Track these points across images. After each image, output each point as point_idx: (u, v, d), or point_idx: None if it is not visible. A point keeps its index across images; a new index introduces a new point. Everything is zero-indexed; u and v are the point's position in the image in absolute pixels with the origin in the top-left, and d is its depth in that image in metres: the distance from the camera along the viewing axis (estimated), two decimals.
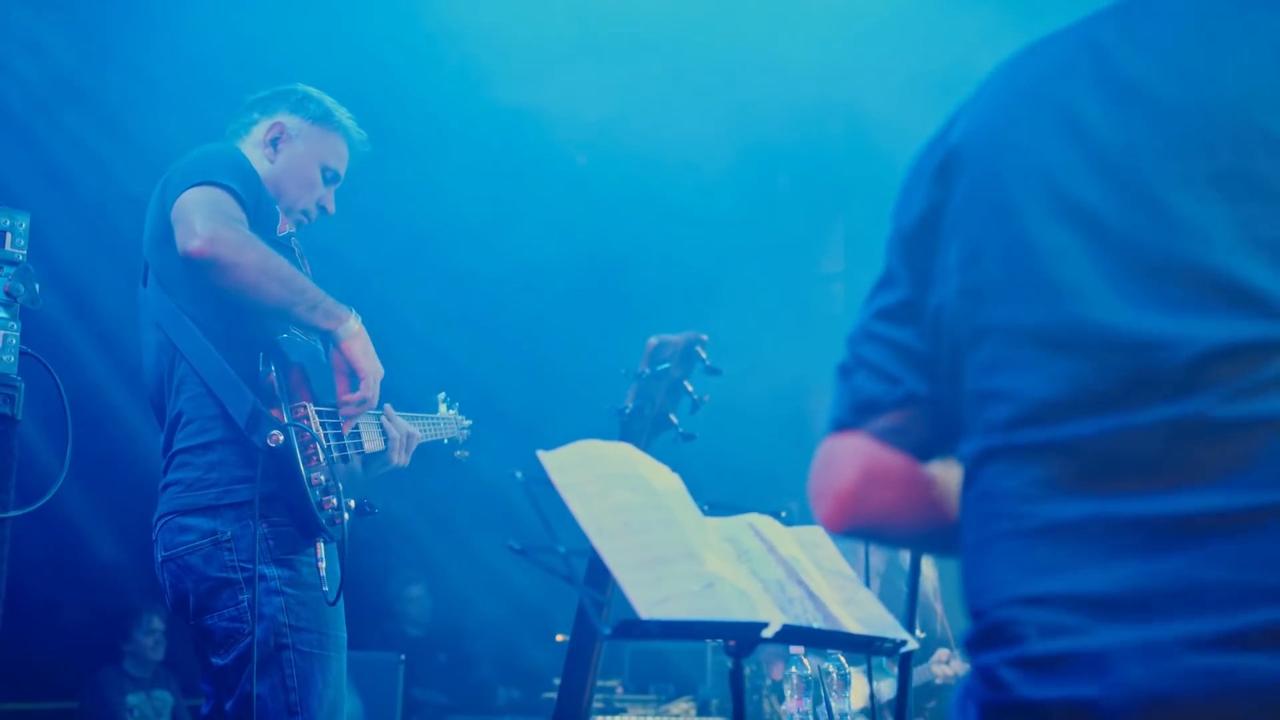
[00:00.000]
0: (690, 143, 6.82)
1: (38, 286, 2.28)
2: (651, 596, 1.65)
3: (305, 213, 3.14)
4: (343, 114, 3.21)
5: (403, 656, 6.19)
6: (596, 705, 5.74)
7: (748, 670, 1.85)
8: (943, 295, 1.26)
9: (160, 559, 2.80)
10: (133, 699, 6.31)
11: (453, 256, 6.53)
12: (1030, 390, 1.15)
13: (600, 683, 2.53)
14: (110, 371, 5.68)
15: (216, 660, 2.73)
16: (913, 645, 1.94)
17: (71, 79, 5.70)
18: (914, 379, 1.31)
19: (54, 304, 2.45)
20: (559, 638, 7.08)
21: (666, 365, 2.53)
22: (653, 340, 2.58)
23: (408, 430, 3.08)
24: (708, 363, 2.56)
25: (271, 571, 2.69)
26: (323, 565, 2.72)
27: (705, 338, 2.57)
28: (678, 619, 1.65)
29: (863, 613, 1.92)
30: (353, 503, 2.80)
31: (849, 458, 1.34)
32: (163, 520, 2.79)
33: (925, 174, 1.31)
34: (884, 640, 1.90)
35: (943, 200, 1.28)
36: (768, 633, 1.72)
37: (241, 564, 2.69)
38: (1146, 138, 1.14)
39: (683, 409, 2.60)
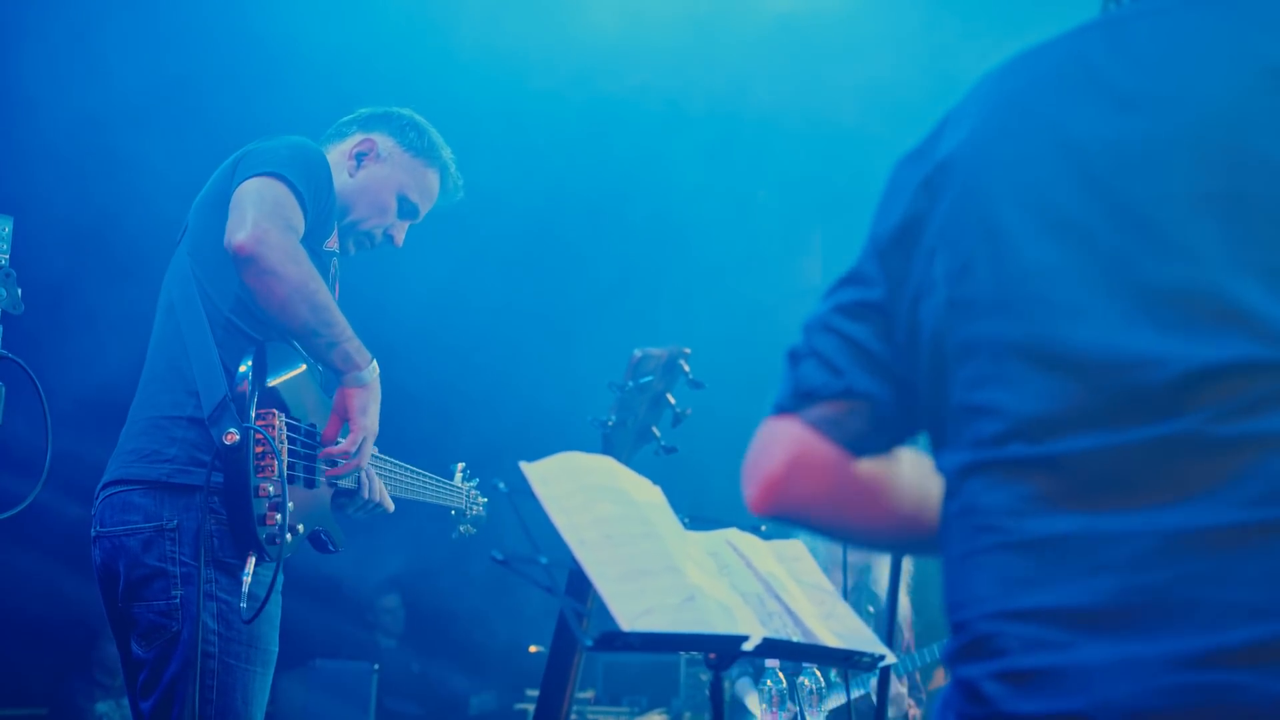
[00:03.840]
0: (668, 157, 6.85)
1: (20, 291, 2.27)
2: (633, 609, 1.66)
3: (370, 236, 3.05)
4: (445, 153, 3.12)
5: (376, 666, 6.17)
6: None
7: (725, 683, 1.86)
8: (927, 307, 1.26)
9: (94, 533, 2.70)
10: (102, 707, 6.26)
11: (435, 266, 6.52)
12: (1018, 406, 1.15)
13: (575, 693, 2.53)
14: (89, 378, 5.65)
15: (138, 649, 2.63)
16: (891, 659, 1.95)
17: (55, 82, 5.67)
18: (858, 374, 1.31)
19: (36, 309, 2.43)
20: (532, 648, 7.07)
21: (650, 378, 2.54)
22: (636, 353, 2.58)
23: (381, 496, 2.98)
24: (690, 376, 2.56)
25: (210, 573, 2.58)
26: (248, 580, 2.59)
27: (688, 351, 2.57)
28: (659, 631, 1.66)
29: (841, 627, 1.93)
30: (301, 527, 2.71)
31: (780, 443, 1.34)
32: (107, 491, 2.69)
33: (910, 183, 1.30)
34: (862, 654, 1.91)
35: (927, 211, 1.27)
36: (748, 646, 1.72)
37: (182, 557, 2.59)
38: (1138, 156, 1.14)
39: (665, 422, 2.60)
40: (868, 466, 1.35)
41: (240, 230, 2.56)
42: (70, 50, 5.66)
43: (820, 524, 1.42)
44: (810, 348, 1.36)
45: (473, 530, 3.50)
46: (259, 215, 2.58)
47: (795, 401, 1.35)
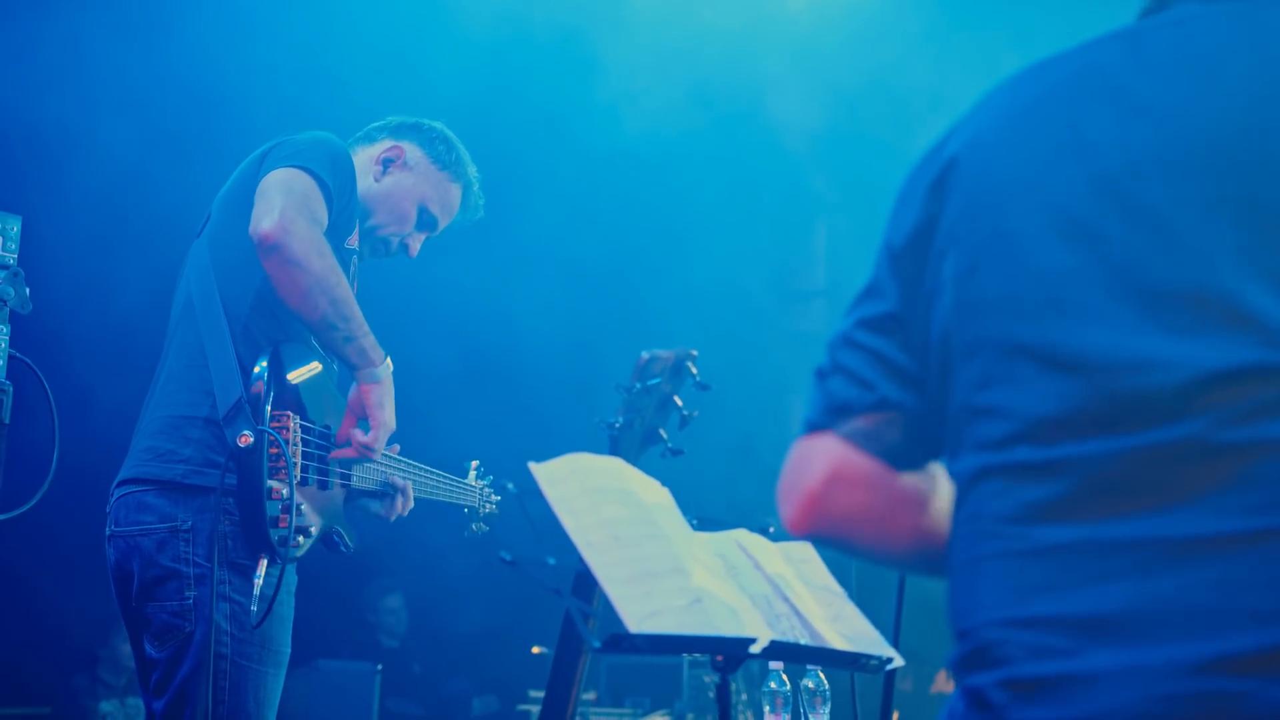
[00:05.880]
0: (671, 162, 6.85)
1: (28, 291, 2.27)
2: (640, 610, 1.66)
3: (386, 243, 3.05)
4: (471, 170, 3.12)
5: (379, 666, 6.17)
6: None
7: (732, 685, 1.86)
8: (936, 309, 1.26)
9: (109, 532, 2.70)
10: (105, 706, 6.27)
11: (440, 268, 6.53)
12: (1025, 407, 1.15)
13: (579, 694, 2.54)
14: (96, 377, 5.65)
15: (151, 649, 2.64)
16: (899, 662, 1.95)
17: (65, 80, 5.68)
18: (889, 386, 1.31)
19: (44, 309, 2.45)
20: (535, 649, 7.07)
21: (657, 380, 2.54)
22: (644, 355, 2.58)
23: (406, 501, 3.02)
24: (698, 378, 2.56)
25: (224, 574, 2.58)
26: (259, 584, 2.60)
27: (695, 353, 2.57)
28: (666, 633, 1.66)
29: (849, 629, 1.93)
30: (314, 529, 2.71)
31: (818, 459, 1.33)
32: (122, 491, 2.69)
33: (920, 188, 1.31)
34: (869, 657, 1.91)
35: (937, 214, 1.27)
36: (755, 648, 1.73)
37: (195, 558, 2.59)
38: (1151, 160, 1.14)
39: (672, 424, 2.60)
40: (908, 480, 1.33)
41: (267, 218, 2.56)
42: (80, 50, 5.67)
43: (861, 541, 1.39)
44: (837, 364, 1.35)
45: (485, 528, 3.51)
46: (286, 205, 2.58)
47: (828, 417, 1.33)
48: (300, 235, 2.56)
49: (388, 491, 3.00)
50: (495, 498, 3.53)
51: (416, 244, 3.10)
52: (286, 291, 2.61)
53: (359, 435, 2.75)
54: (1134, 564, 1.06)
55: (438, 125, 3.13)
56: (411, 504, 3.04)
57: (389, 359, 2.76)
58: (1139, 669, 1.03)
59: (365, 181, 2.98)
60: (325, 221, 2.67)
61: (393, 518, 3.03)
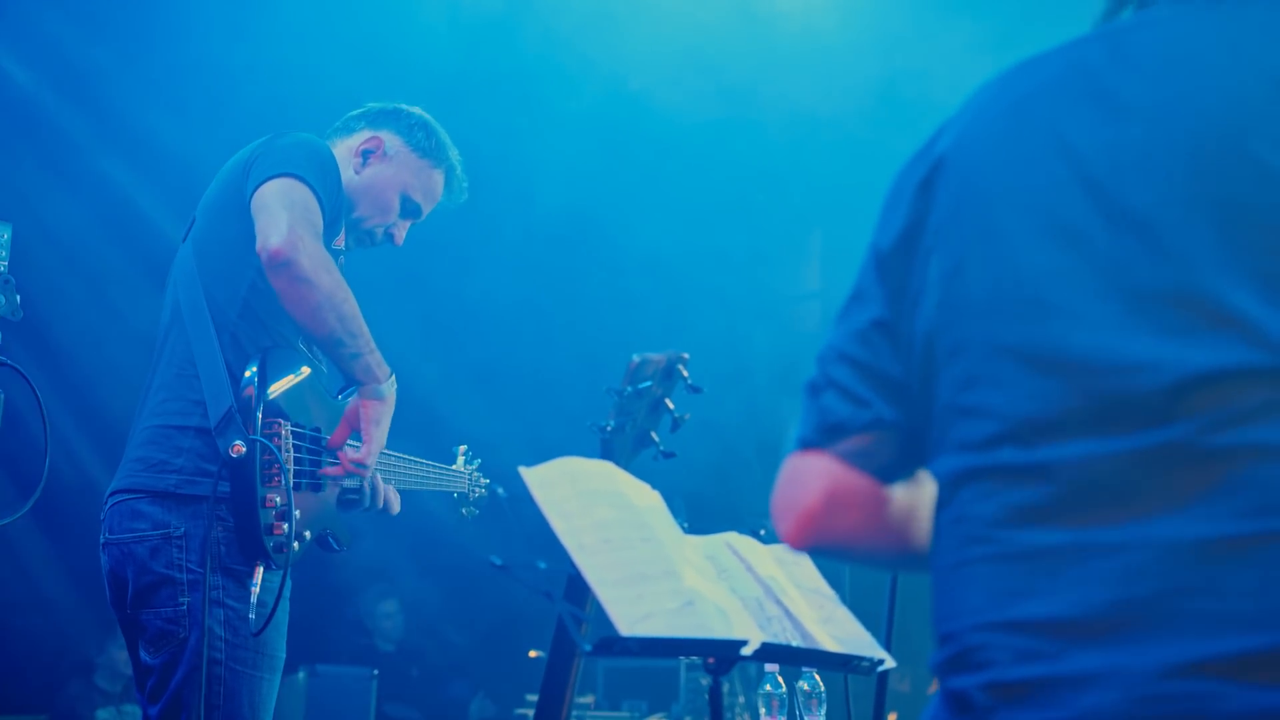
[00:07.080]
0: (667, 161, 6.85)
1: (19, 298, 2.27)
2: (632, 613, 1.66)
3: (370, 234, 3.03)
4: (453, 154, 3.09)
5: (375, 672, 6.17)
6: None
7: (725, 687, 1.87)
8: (921, 311, 1.26)
9: (103, 540, 2.70)
10: (103, 714, 6.26)
11: (431, 273, 6.52)
12: (1009, 408, 1.15)
13: (574, 698, 2.53)
14: (87, 384, 5.65)
15: (146, 655, 2.64)
16: (890, 664, 1.95)
17: (56, 87, 5.67)
18: (882, 403, 1.30)
19: (35, 315, 2.45)
20: (531, 653, 7.07)
21: (648, 383, 2.53)
22: (635, 358, 2.57)
23: (386, 498, 2.99)
24: (689, 381, 2.56)
25: (217, 580, 2.58)
26: (255, 591, 2.60)
27: (687, 356, 2.57)
28: (658, 636, 1.66)
29: (840, 631, 1.93)
30: (308, 533, 2.71)
31: (814, 478, 1.33)
32: (116, 499, 2.69)
33: (908, 190, 1.30)
34: (861, 659, 1.91)
35: (925, 214, 1.27)
36: (746, 650, 1.73)
37: (189, 565, 2.59)
38: (1134, 161, 1.14)
39: (663, 427, 2.59)
40: (900, 493, 1.34)
41: (275, 235, 2.54)
42: (72, 54, 5.66)
43: (855, 552, 1.41)
44: (829, 379, 1.34)
45: (475, 512, 3.49)
46: (292, 220, 2.56)
47: (823, 436, 1.33)
48: (309, 252, 2.55)
49: (369, 498, 2.98)
50: (485, 480, 3.50)
51: (401, 232, 3.08)
52: (295, 308, 2.59)
53: (350, 452, 2.74)
54: (1120, 569, 1.05)
55: (416, 111, 3.10)
56: (394, 497, 3.01)
57: (393, 376, 2.74)
58: (1121, 671, 1.03)
59: (346, 174, 2.96)
60: (322, 233, 2.66)
61: (368, 506, 2.99)
